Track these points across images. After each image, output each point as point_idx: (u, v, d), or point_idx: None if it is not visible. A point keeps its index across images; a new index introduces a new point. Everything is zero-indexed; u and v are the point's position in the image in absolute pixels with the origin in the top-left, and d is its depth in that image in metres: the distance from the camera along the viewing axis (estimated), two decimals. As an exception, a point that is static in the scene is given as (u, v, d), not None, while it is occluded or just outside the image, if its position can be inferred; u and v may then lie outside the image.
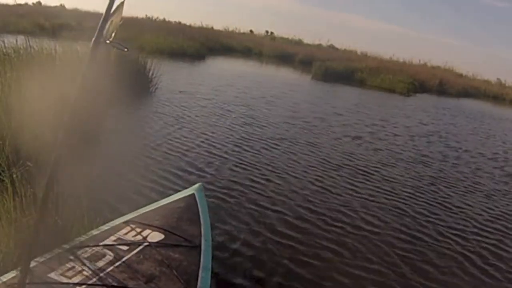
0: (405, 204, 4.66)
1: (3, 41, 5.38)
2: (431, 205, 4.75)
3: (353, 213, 4.16)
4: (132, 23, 23.29)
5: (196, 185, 2.74)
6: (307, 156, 5.93)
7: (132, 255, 1.94)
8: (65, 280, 1.71)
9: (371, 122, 9.49)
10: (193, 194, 2.59)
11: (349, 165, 5.78)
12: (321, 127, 8.07)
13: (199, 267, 1.99)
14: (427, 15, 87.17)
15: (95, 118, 5.26)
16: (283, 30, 51.30)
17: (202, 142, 5.81)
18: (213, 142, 5.89)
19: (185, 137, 5.89)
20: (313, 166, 5.51)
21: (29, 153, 3.02)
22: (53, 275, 1.72)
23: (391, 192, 4.98)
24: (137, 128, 6.15)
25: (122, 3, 1.22)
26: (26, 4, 23.31)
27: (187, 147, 5.43)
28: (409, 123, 10.27)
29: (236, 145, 5.91)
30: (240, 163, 5.17)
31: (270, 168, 5.16)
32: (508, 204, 5.22)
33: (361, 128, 8.64)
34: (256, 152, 5.75)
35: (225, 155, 5.38)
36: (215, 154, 5.35)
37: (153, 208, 2.48)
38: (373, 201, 4.59)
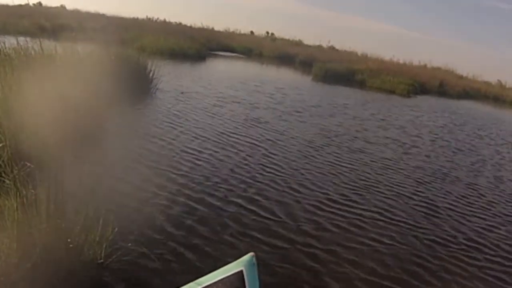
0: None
1: (4, 42, 5.37)
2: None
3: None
4: (132, 24, 23.40)
5: (246, 257, 1.91)
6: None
7: None
8: None
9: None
10: (241, 272, 1.88)
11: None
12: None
13: None
14: (429, 17, 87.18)
15: (94, 119, 5.26)
16: (284, 31, 51.30)
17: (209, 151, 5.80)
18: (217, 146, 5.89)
19: (188, 146, 5.73)
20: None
21: (31, 153, 3.02)
22: None
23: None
24: (137, 131, 6.09)
25: None
26: (26, 5, 23.27)
27: (189, 157, 5.25)
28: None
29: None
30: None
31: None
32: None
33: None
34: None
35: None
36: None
37: None
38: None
